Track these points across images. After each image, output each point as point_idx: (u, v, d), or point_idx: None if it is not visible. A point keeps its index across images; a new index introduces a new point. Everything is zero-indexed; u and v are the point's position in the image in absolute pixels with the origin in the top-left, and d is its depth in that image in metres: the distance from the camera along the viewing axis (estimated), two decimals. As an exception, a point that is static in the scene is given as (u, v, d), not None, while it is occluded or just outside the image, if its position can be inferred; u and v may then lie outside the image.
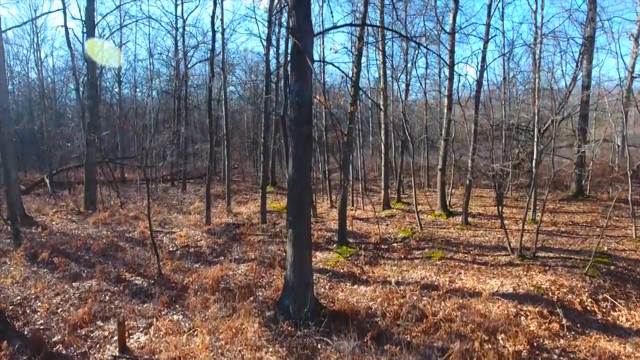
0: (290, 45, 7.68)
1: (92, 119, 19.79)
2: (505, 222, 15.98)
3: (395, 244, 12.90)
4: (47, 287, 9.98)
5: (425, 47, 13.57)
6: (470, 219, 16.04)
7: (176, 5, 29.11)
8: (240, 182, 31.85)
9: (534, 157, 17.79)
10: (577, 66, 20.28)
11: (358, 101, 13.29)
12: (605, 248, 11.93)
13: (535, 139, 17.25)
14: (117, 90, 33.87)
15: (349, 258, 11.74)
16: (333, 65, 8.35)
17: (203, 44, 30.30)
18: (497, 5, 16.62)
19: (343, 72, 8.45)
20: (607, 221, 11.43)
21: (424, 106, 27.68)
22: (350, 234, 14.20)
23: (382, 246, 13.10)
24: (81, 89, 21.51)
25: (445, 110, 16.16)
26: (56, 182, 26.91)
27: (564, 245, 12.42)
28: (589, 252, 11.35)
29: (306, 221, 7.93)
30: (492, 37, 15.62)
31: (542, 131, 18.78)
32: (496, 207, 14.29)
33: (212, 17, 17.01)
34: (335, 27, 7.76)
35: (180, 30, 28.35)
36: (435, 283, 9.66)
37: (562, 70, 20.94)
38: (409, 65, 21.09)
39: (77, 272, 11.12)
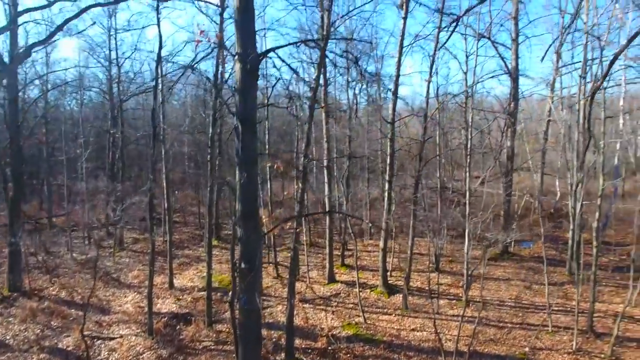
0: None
1: (16, 195, 18.28)
2: (441, 302, 17.26)
3: (340, 354, 13.41)
4: None
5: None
6: (410, 299, 17.02)
7: (109, 37, 27.38)
8: (182, 226, 30.90)
9: (466, 219, 19.20)
10: (502, 136, 22.04)
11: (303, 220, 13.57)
12: (527, 349, 13.33)
13: (467, 205, 18.55)
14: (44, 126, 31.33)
15: (297, 380, 12.08)
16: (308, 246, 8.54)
17: (142, 85, 28.91)
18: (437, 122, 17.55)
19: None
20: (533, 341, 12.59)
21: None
22: (297, 331, 14.52)
23: (329, 350, 13.62)
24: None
25: (386, 209, 16.72)
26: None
27: (493, 347, 13.66)
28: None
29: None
30: (428, 138, 16.51)
31: (472, 191, 20.33)
32: (435, 279, 15.56)
33: (154, 98, 16.32)
34: (285, 220, 7.92)
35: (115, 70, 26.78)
36: None
37: (490, 144, 22.58)
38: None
39: None
